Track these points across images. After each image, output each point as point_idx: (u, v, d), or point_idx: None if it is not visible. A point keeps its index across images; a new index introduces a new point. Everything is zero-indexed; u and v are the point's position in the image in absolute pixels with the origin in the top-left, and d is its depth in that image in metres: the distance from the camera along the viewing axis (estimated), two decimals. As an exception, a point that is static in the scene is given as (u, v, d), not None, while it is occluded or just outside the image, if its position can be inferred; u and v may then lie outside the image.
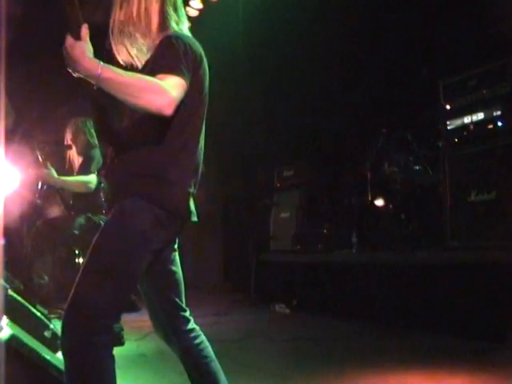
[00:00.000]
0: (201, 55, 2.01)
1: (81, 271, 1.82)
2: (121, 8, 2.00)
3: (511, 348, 3.62)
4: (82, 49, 1.74)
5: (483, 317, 3.97)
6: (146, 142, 1.91)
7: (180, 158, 1.94)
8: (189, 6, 7.28)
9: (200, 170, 2.04)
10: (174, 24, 2.05)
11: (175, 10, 2.08)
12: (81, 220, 4.55)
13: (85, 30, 1.78)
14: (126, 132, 2.00)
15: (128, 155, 1.94)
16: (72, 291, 1.79)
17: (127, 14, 2.00)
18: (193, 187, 2.00)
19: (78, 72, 1.73)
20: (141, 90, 1.76)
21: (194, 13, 7.34)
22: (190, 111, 1.96)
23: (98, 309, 1.76)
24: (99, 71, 1.72)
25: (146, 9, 2.01)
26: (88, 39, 1.81)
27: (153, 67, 1.90)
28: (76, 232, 4.50)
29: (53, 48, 2.23)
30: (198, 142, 2.02)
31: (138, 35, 2.02)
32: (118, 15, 2.01)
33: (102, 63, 1.73)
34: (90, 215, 4.56)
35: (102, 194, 4.58)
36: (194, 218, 2.01)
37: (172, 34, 1.98)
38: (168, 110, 1.78)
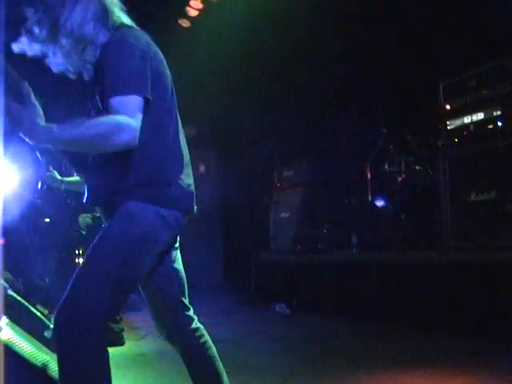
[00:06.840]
0: (152, 47, 1.90)
1: (80, 271, 1.77)
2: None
3: (511, 348, 3.62)
4: (31, 117, 1.68)
5: (483, 317, 3.97)
6: (127, 156, 1.82)
7: (169, 157, 1.91)
8: (189, 5, 7.28)
9: (189, 163, 2.00)
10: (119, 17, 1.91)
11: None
12: (88, 220, 4.53)
13: (27, 90, 1.73)
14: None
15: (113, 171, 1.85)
16: (68, 291, 1.73)
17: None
18: (188, 179, 1.97)
19: (34, 141, 1.66)
20: (101, 139, 1.72)
21: (194, 13, 7.34)
22: (163, 114, 1.91)
23: (95, 310, 1.72)
24: (55, 136, 1.66)
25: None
26: (33, 98, 1.76)
27: (107, 83, 1.79)
28: (83, 232, 4.48)
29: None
30: (178, 139, 1.97)
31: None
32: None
33: (55, 127, 1.66)
34: (96, 214, 4.54)
35: None
36: (195, 210, 1.99)
37: (121, 36, 1.85)
38: (133, 142, 1.75)
